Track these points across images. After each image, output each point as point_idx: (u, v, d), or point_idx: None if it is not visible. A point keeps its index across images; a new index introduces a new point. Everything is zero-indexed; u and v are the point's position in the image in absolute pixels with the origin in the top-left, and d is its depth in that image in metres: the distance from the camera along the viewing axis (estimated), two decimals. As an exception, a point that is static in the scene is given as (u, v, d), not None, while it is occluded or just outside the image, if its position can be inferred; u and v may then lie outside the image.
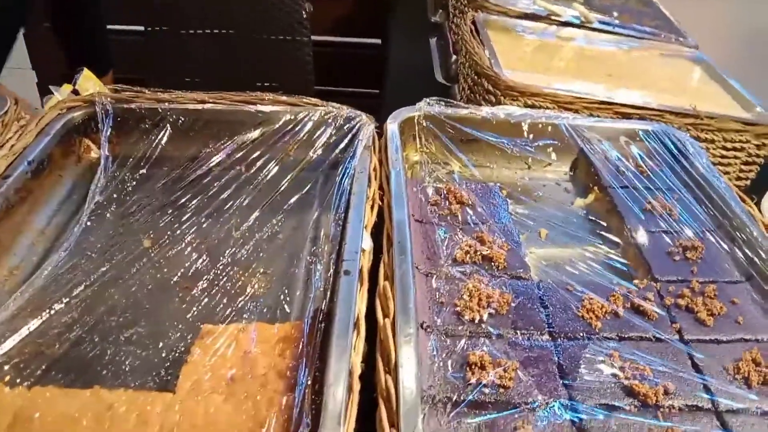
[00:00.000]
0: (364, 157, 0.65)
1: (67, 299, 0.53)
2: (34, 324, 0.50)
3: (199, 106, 0.72)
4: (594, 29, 1.31)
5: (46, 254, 0.61)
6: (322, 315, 0.49)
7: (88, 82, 0.93)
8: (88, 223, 0.60)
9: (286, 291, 0.56)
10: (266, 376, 0.46)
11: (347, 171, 0.63)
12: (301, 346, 0.47)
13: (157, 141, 0.70)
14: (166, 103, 0.73)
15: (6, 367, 0.48)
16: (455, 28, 1.34)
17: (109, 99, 0.72)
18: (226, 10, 1.61)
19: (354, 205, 0.58)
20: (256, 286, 0.56)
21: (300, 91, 1.70)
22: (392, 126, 0.70)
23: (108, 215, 0.63)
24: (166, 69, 1.67)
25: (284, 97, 0.76)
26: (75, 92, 0.90)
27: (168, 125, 0.71)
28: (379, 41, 2.03)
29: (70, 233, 0.61)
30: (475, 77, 1.01)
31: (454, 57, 1.33)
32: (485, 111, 0.74)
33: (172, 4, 1.58)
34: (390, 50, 1.89)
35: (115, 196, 0.64)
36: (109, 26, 1.33)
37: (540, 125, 0.75)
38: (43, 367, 0.48)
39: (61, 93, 0.86)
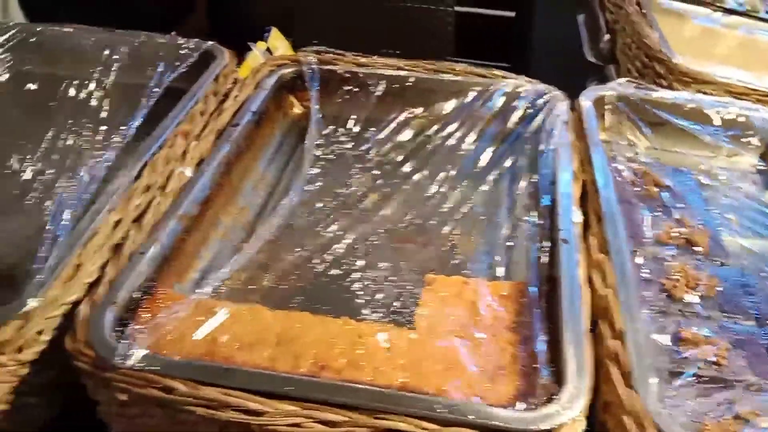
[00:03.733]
0: (562, 132, 0.67)
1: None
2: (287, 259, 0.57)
3: (396, 73, 0.77)
4: (761, 19, 1.26)
5: (268, 198, 0.68)
6: (544, 279, 0.52)
7: (276, 41, 1.00)
8: (311, 173, 0.66)
9: (495, 255, 0.60)
10: (494, 327, 0.50)
11: (547, 145, 0.66)
12: (525, 305, 0.51)
13: (361, 103, 0.75)
14: (365, 68, 0.78)
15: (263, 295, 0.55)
16: (612, 6, 1.31)
17: (315, 60, 0.78)
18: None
19: (561, 179, 0.61)
20: (466, 248, 0.60)
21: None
22: (586, 103, 0.72)
23: (327, 169, 0.69)
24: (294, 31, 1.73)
25: (474, 69, 0.79)
26: (268, 50, 0.97)
27: (368, 89, 0.76)
28: (512, 14, 2.02)
29: (291, 181, 0.68)
30: (646, 60, 1.00)
31: (607, 36, 1.31)
32: (682, 96, 0.74)
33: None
34: (524, 23, 1.87)
35: (330, 151, 0.70)
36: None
37: (732, 114, 0.75)
38: (295, 298, 0.55)
39: (257, 49, 0.92)
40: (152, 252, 0.53)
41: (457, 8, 1.64)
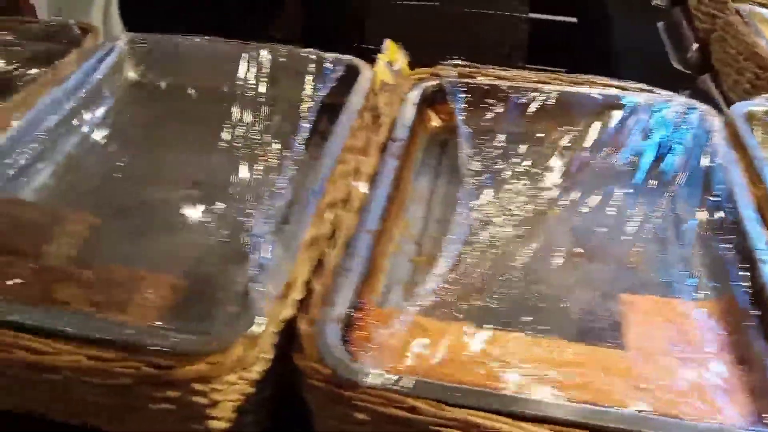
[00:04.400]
0: (724, 148, 0.67)
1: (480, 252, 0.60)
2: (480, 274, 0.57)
3: (536, 86, 0.77)
4: None
5: (427, 211, 0.69)
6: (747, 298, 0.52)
7: (395, 53, 1.00)
8: (470, 187, 0.67)
9: (680, 273, 0.60)
10: (710, 346, 0.50)
11: (711, 161, 0.66)
12: (734, 324, 0.51)
13: (503, 116, 0.75)
14: (504, 81, 0.78)
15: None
16: (702, 15, 1.31)
17: (455, 73, 0.78)
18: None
19: (739, 197, 0.61)
20: (647, 265, 0.60)
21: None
22: (740, 117, 0.72)
23: (484, 184, 0.69)
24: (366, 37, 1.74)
25: (611, 81, 0.79)
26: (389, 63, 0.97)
27: (511, 102, 0.76)
28: (574, 20, 2.01)
29: (448, 195, 0.68)
30: (759, 71, 0.99)
31: (695, 46, 1.31)
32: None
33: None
34: (590, 30, 1.86)
35: (484, 166, 0.70)
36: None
37: None
38: (496, 315, 0.55)
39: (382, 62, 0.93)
40: (354, 267, 0.54)
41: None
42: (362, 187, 0.62)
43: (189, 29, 0.87)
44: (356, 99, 0.72)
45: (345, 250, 0.55)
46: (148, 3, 1.09)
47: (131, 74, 0.81)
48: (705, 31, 1.29)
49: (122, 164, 0.70)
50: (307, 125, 0.69)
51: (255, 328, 0.47)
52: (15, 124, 0.67)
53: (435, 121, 0.80)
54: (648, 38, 1.51)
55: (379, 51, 0.94)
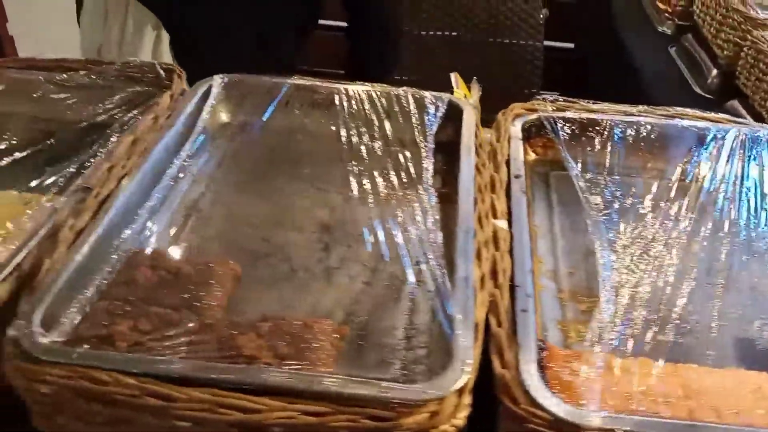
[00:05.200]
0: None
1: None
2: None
3: (631, 119, 0.80)
4: None
5: (552, 245, 0.70)
6: None
7: (465, 87, 1.02)
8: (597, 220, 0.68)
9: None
10: None
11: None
12: None
13: (602, 149, 0.77)
14: (599, 114, 0.81)
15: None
16: (724, 43, 1.37)
17: (552, 107, 0.80)
18: (460, 12, 1.69)
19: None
20: None
21: (525, 97, 1.75)
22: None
23: (610, 215, 0.71)
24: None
25: (703, 113, 0.82)
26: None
27: (609, 135, 0.78)
28: (571, 45, 2.08)
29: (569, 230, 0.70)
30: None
31: (714, 71, 1.38)
32: None
33: (409, 6, 1.67)
34: (612, 57, 1.91)
35: (602, 198, 0.72)
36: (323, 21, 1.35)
37: None
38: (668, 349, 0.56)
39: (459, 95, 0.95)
40: (530, 307, 0.54)
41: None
42: (504, 225, 0.63)
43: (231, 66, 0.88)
44: (468, 136, 0.73)
45: (514, 291, 0.56)
46: (197, 41, 1.08)
47: (228, 116, 0.80)
48: (728, 58, 1.36)
49: (244, 209, 0.70)
50: (428, 164, 0.70)
51: (464, 377, 0.47)
52: (138, 172, 0.65)
53: (530, 155, 0.82)
54: (663, 65, 1.58)
55: (411, 81, 0.94)
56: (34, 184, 0.70)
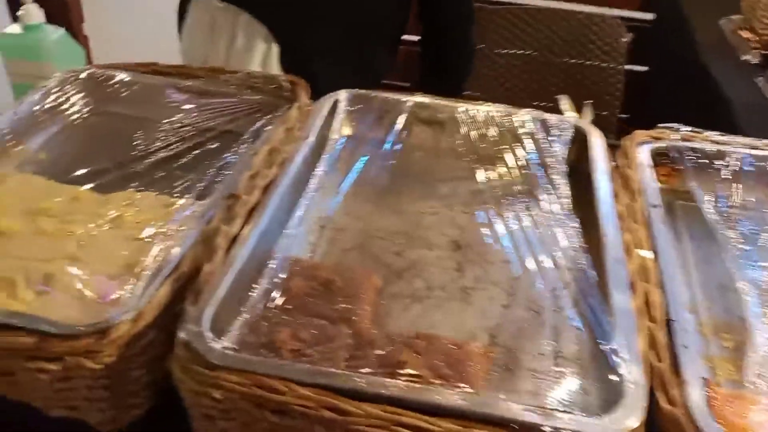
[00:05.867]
0: None
1: None
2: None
3: (758, 152, 0.78)
4: None
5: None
6: None
7: (573, 108, 1.01)
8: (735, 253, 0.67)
9: None
10: None
11: None
12: None
13: (741, 181, 0.76)
14: (724, 145, 0.79)
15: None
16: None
17: (676, 136, 0.79)
18: (539, 32, 1.68)
19: None
20: None
21: (604, 119, 1.73)
22: None
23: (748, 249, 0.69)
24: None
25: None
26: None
27: (743, 166, 0.77)
28: (644, 68, 2.06)
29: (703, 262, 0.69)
30: None
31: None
32: None
33: (486, 25, 1.67)
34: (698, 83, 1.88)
35: (738, 231, 0.71)
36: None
37: None
38: None
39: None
40: (691, 344, 0.54)
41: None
42: (650, 256, 0.62)
43: (334, 79, 0.88)
44: (601, 162, 0.73)
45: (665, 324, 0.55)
46: (308, 55, 1.09)
47: (355, 130, 0.81)
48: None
49: (376, 223, 0.70)
50: (564, 187, 0.70)
51: (638, 414, 0.47)
52: (281, 182, 0.67)
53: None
54: (752, 95, 1.55)
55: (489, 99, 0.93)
56: (171, 188, 0.71)
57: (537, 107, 0.84)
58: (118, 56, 1.02)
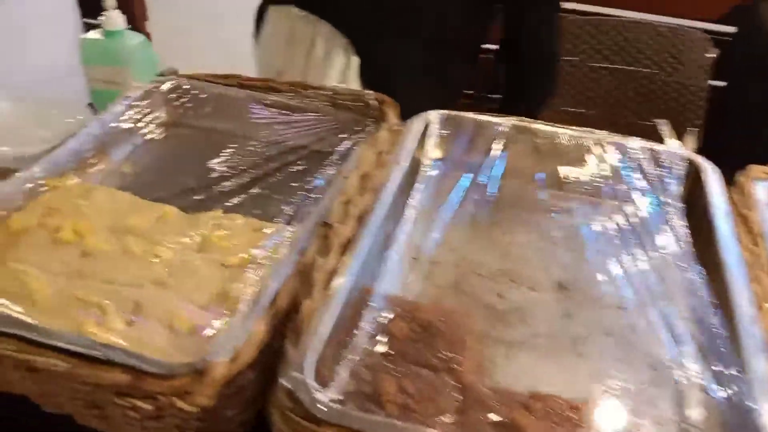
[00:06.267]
0: None
1: None
2: None
3: None
4: None
5: None
6: None
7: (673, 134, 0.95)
8: None
9: None
10: None
11: None
12: None
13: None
14: None
15: None
16: None
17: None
18: (624, 46, 1.61)
19: None
20: None
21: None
22: None
23: None
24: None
25: None
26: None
27: None
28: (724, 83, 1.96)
29: None
30: None
31: None
32: None
33: (578, 36, 1.60)
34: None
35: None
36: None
37: None
38: None
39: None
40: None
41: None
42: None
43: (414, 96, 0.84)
44: (720, 201, 0.67)
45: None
46: (387, 69, 1.05)
47: (448, 155, 0.77)
48: None
49: (474, 257, 0.66)
50: (680, 228, 0.64)
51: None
52: (375, 211, 0.63)
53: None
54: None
55: (576, 114, 0.87)
56: (259, 210, 0.69)
57: (617, 124, 0.78)
58: (178, 54, 1.00)
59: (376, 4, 1.04)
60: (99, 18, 0.97)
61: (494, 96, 1.30)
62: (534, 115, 1.13)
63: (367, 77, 1.06)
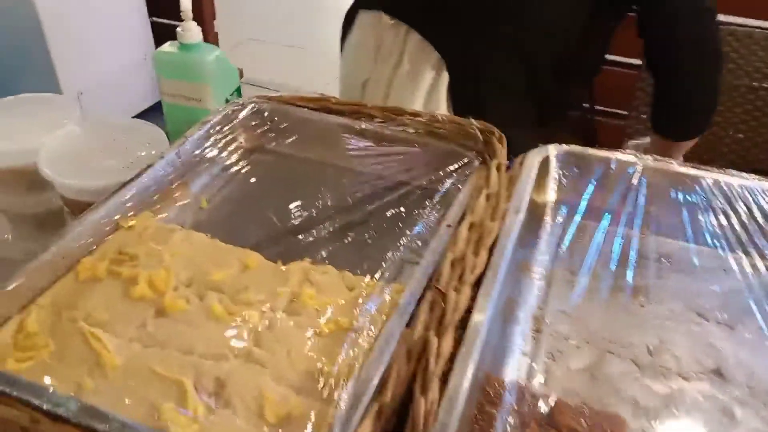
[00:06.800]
0: None
1: None
2: None
3: None
4: None
5: None
6: None
7: None
8: None
9: None
10: None
11: None
12: None
13: None
14: None
15: None
16: None
17: None
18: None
19: None
20: None
21: None
22: None
23: None
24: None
25: None
26: None
27: None
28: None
29: None
30: None
31: None
32: None
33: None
34: None
35: None
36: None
37: None
38: None
39: None
40: None
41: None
42: None
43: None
44: None
45: None
46: (481, 88, 0.94)
47: (573, 199, 0.66)
48: None
49: (612, 334, 0.55)
50: None
51: None
52: (494, 278, 0.52)
53: None
54: None
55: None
56: (353, 260, 0.60)
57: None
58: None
59: (472, 10, 0.93)
60: (174, 28, 0.91)
61: (609, 110, 1.13)
62: (693, 136, 0.98)
63: (457, 97, 0.95)
